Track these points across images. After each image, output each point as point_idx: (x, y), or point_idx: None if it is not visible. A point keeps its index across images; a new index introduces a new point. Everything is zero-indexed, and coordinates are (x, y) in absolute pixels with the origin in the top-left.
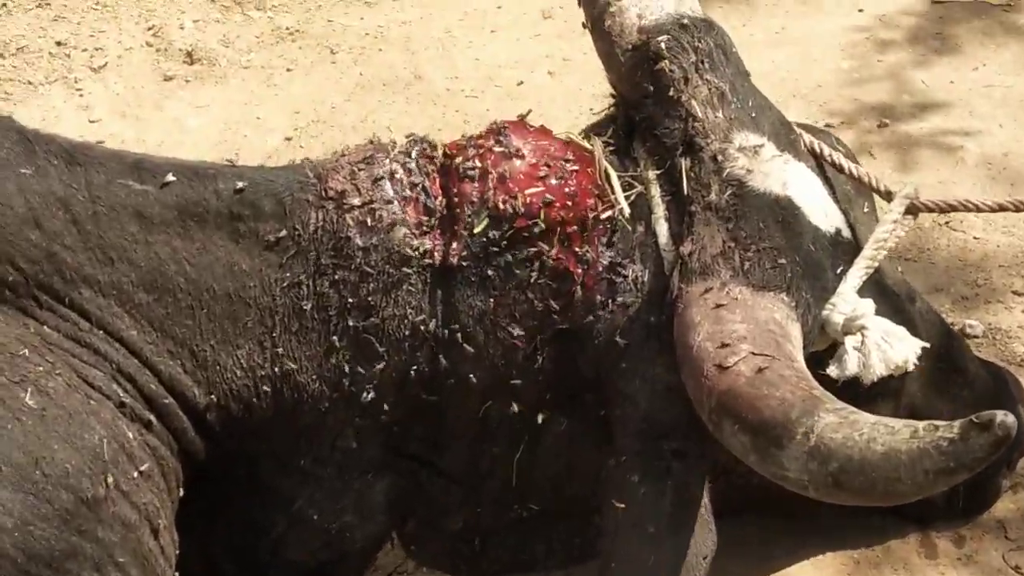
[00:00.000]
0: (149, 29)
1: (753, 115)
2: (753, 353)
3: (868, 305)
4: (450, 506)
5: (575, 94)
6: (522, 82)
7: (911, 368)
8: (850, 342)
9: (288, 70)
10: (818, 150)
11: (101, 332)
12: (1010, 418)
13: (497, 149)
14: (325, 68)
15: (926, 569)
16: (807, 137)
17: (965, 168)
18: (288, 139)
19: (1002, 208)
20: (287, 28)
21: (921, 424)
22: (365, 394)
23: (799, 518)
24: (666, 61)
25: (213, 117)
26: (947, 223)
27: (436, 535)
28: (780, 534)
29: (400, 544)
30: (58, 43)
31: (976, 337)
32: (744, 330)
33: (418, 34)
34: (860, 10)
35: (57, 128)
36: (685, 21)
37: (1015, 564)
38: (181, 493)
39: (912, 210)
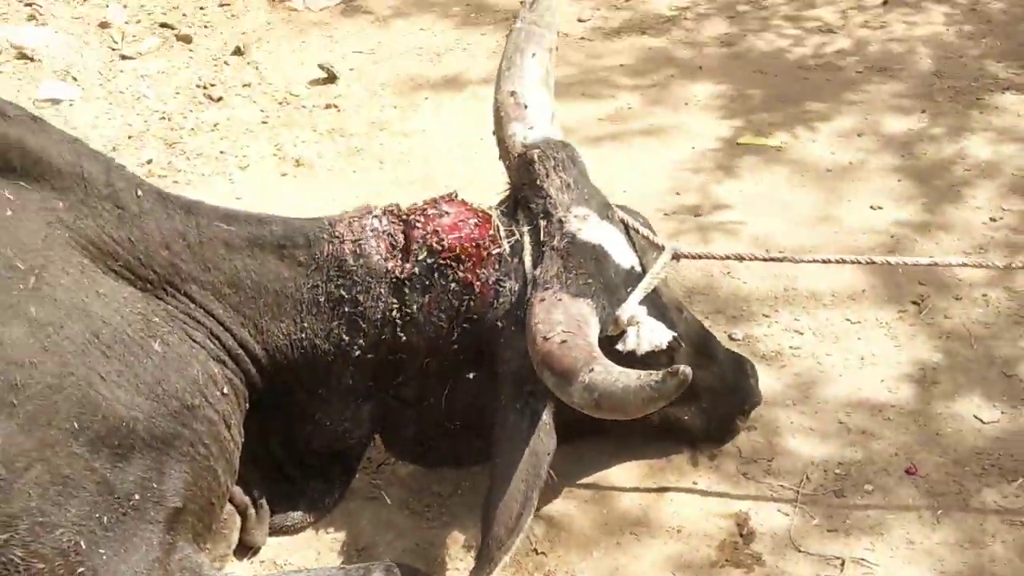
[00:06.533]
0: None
1: (586, 197)
2: (564, 331)
3: (642, 309)
4: (407, 421)
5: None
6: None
7: (663, 346)
8: (630, 330)
9: (354, 172)
10: (625, 219)
11: (201, 310)
12: (689, 370)
13: (432, 211)
14: (374, 173)
15: (691, 472)
16: (620, 213)
17: (741, 242)
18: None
19: (739, 258)
20: (355, 147)
21: (643, 372)
22: (354, 352)
23: (615, 439)
24: (537, 163)
25: (304, 197)
26: (728, 273)
27: (399, 439)
28: (599, 452)
29: (381, 443)
30: (221, 151)
31: (738, 340)
32: (561, 317)
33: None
34: (692, 147)
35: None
36: (550, 141)
37: (743, 471)
38: (247, 407)
39: (676, 256)
